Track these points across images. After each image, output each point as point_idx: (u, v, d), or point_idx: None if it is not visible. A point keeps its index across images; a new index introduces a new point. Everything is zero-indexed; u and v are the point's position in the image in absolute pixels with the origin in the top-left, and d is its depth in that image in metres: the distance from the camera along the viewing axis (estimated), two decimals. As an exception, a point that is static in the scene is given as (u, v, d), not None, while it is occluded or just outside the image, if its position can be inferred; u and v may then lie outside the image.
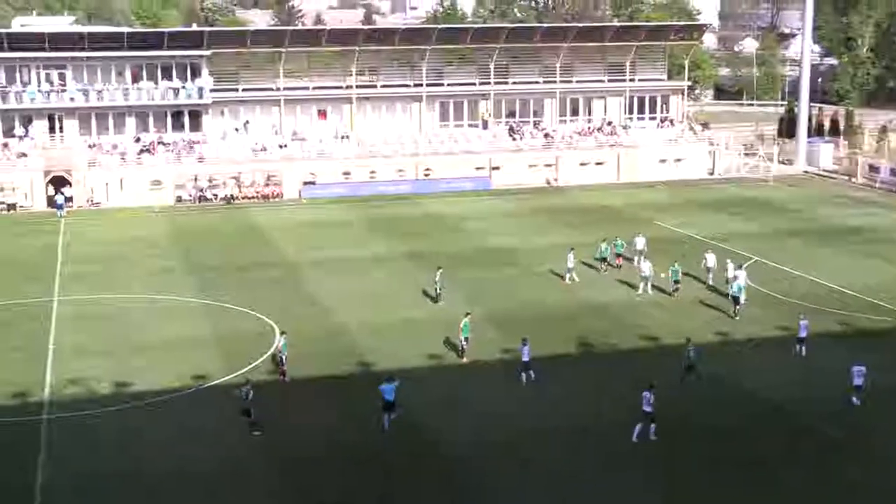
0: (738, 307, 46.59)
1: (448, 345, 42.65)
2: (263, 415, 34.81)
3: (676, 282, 50.04)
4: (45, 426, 35.07)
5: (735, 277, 48.61)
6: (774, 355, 41.84)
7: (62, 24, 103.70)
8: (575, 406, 36.76)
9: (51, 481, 31.12)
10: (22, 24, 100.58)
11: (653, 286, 50.59)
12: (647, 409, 33.44)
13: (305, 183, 79.63)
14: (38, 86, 78.39)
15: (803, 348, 41.45)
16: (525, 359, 38.66)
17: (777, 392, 37.64)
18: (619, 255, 56.07)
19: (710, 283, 51.57)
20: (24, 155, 76.41)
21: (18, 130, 78.11)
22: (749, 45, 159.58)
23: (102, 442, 33.88)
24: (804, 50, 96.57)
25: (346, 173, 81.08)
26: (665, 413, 33.92)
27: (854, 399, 36.35)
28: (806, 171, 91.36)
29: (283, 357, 39.46)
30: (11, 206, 74.34)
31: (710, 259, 52.26)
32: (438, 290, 49.00)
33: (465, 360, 41.23)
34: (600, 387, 38.53)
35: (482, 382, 38.96)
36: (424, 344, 42.74)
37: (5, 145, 77.13)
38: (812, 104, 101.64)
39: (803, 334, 41.45)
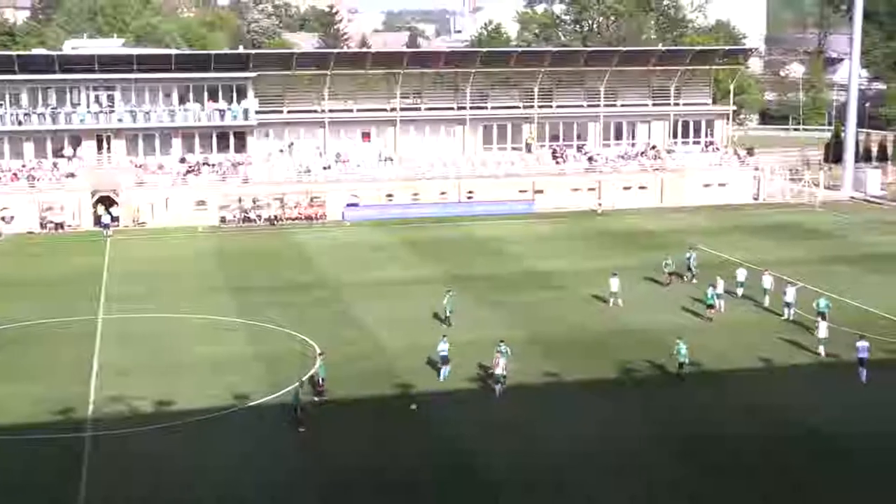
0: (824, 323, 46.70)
1: (486, 368, 42.47)
2: (306, 436, 35.03)
3: (710, 306, 50.07)
4: (88, 443, 35.35)
5: (792, 301, 49.66)
6: (821, 382, 41.38)
7: (112, 46, 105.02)
8: (615, 431, 36.48)
9: (93, 498, 31.33)
10: (73, 46, 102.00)
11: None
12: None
13: (349, 205, 79.96)
14: (88, 107, 79.48)
15: (864, 371, 41.06)
16: (498, 371, 39.50)
17: (821, 418, 37.19)
18: (671, 274, 56.72)
19: (767, 305, 51.93)
20: (73, 175, 77.44)
21: (67, 151, 79.21)
22: (795, 70, 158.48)
23: (144, 460, 34.04)
24: (852, 74, 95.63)
25: (390, 195, 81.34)
26: (709, 444, 33.52)
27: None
28: (853, 197, 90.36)
29: (321, 379, 39.62)
30: (59, 226, 75.30)
31: (767, 280, 52.76)
32: (448, 313, 48.72)
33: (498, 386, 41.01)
34: (641, 412, 38.24)
35: (523, 406, 38.76)
36: (465, 367, 42.58)
37: (54, 165, 78.22)
38: (859, 129, 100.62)
39: (863, 355, 40.94)
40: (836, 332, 45.87)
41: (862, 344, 41.21)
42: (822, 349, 44.02)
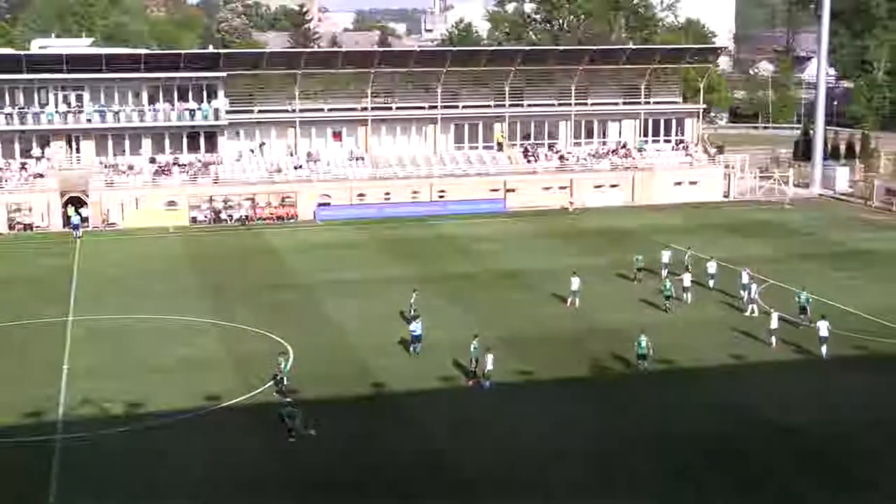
0: (803, 316, 47.84)
1: (459, 366, 42.57)
2: (279, 436, 34.99)
3: (668, 297, 51.34)
4: (58, 446, 35.12)
5: (753, 295, 50.78)
6: (789, 378, 41.72)
7: (80, 46, 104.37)
8: (586, 428, 36.63)
9: (63, 501, 31.14)
10: (40, 46, 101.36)
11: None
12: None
13: (320, 204, 79.82)
14: (56, 107, 78.91)
15: (825, 348, 43.08)
16: (488, 367, 40.03)
17: (790, 415, 37.47)
18: (640, 270, 57.26)
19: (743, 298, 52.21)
20: (41, 176, 76.86)
21: (35, 151, 78.59)
22: (764, 68, 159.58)
23: (115, 462, 33.90)
24: (820, 73, 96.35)
25: (361, 195, 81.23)
26: (678, 441, 33.70)
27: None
28: (821, 195, 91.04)
29: (283, 377, 39.67)
30: (28, 227, 74.71)
31: (745, 276, 53.20)
32: (413, 312, 48.48)
33: (471, 382, 41.13)
34: (611, 409, 38.42)
35: (494, 403, 38.88)
36: (437, 365, 42.68)
37: (23, 166, 77.62)
38: (828, 127, 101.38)
39: (824, 333, 43.18)
40: (800, 328, 46.47)
41: (822, 322, 43.49)
42: (773, 339, 45.28)
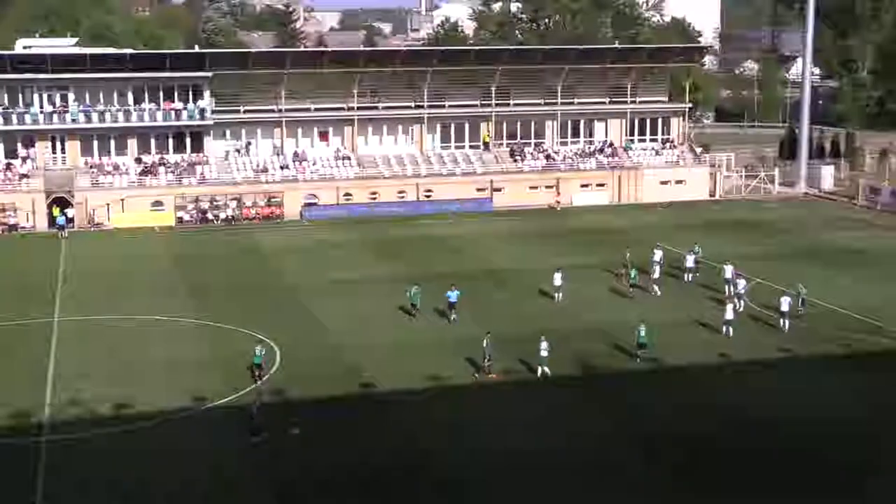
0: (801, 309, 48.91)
1: (449, 366, 42.55)
2: (264, 435, 34.98)
3: (633, 285, 53.20)
4: (44, 447, 34.98)
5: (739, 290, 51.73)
6: (774, 377, 41.85)
7: (65, 45, 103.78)
8: (578, 427, 36.66)
9: (51, 502, 31.02)
10: (25, 45, 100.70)
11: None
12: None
13: (307, 204, 79.71)
14: (41, 107, 78.60)
15: (786, 322, 46.70)
16: (543, 353, 40.97)
17: (777, 414, 37.59)
18: (624, 266, 57.40)
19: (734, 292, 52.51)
20: (26, 176, 76.55)
21: (20, 152, 78.23)
22: (750, 67, 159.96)
23: (102, 463, 33.78)
24: (805, 72, 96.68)
25: (348, 195, 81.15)
26: (667, 441, 33.77)
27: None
28: (807, 193, 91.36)
29: (257, 366, 40.14)
30: (13, 227, 74.40)
31: (727, 271, 54.20)
32: (413, 304, 49.68)
33: (493, 375, 41.37)
34: (599, 408, 38.46)
35: (484, 403, 38.89)
36: (425, 365, 42.67)
37: (7, 166, 77.28)
38: (813, 126, 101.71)
39: (785, 308, 46.71)
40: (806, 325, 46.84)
41: (784, 298, 46.88)
42: (727, 330, 46.29)
